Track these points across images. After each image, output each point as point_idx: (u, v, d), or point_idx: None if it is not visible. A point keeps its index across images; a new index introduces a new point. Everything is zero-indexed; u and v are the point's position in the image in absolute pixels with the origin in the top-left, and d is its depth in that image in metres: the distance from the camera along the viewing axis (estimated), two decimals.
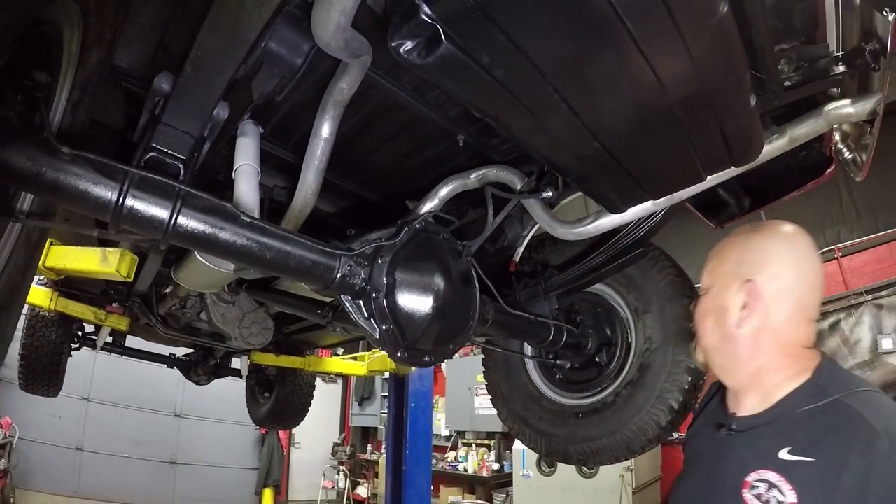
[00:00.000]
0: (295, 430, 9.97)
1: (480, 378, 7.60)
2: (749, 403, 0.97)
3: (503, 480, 7.43)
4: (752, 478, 0.88)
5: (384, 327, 1.22)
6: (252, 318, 2.88)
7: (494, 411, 7.18)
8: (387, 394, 10.16)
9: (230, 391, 8.80)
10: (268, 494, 8.99)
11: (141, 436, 8.03)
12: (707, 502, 0.97)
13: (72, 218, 1.76)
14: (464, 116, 1.39)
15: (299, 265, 1.11)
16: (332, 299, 1.62)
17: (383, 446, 10.23)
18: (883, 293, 4.62)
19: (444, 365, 8.71)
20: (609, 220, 1.39)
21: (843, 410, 0.86)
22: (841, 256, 5.32)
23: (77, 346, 3.72)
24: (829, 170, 1.43)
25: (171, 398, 8.55)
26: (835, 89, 1.10)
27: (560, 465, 5.88)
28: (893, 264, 4.88)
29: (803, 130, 1.13)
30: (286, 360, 3.85)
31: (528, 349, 2.19)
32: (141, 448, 8.00)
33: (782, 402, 0.92)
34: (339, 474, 9.64)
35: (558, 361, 1.95)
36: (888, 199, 5.08)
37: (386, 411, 10.10)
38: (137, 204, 0.91)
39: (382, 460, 7.68)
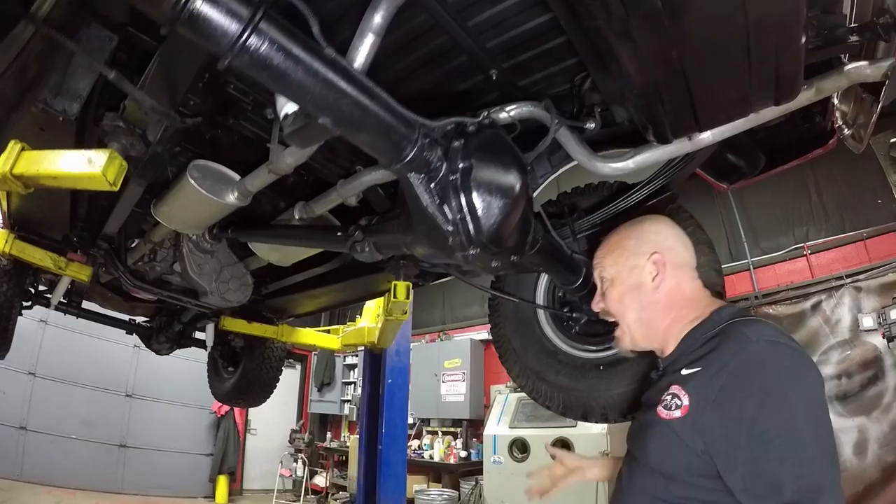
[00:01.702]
0: (251, 416, 9.71)
1: (448, 364, 7.64)
2: (668, 350, 1.19)
3: (471, 468, 7.35)
4: (664, 394, 1.07)
5: (458, 216, 1.07)
6: (231, 272, 2.71)
7: (461, 398, 7.20)
8: (348, 380, 10.10)
9: (185, 371, 8.51)
10: (222, 482, 8.67)
11: (90, 416, 7.59)
12: (640, 424, 1.17)
13: (49, 128, 1.59)
14: (501, 50, 1.32)
15: (376, 125, 0.96)
16: (340, 244, 1.53)
17: (342, 434, 10.08)
18: (861, 276, 4.88)
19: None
20: (648, 156, 1.34)
21: (727, 331, 1.05)
22: (810, 254, 5.58)
23: (29, 303, 3.43)
24: (831, 140, 1.51)
25: (123, 377, 8.15)
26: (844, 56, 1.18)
27: (533, 450, 5.87)
28: (859, 262, 5.14)
29: (828, 85, 1.18)
30: (258, 328, 3.65)
31: (540, 300, 2.10)
32: (89, 429, 7.56)
33: (687, 337, 1.15)
34: (297, 462, 9.37)
35: (574, 314, 1.90)
36: (854, 201, 5.37)
37: (347, 398, 10.01)
38: (208, 6, 0.74)
39: (351, 445, 7.47)
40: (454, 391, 7.89)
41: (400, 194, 1.31)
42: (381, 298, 4.25)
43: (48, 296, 3.52)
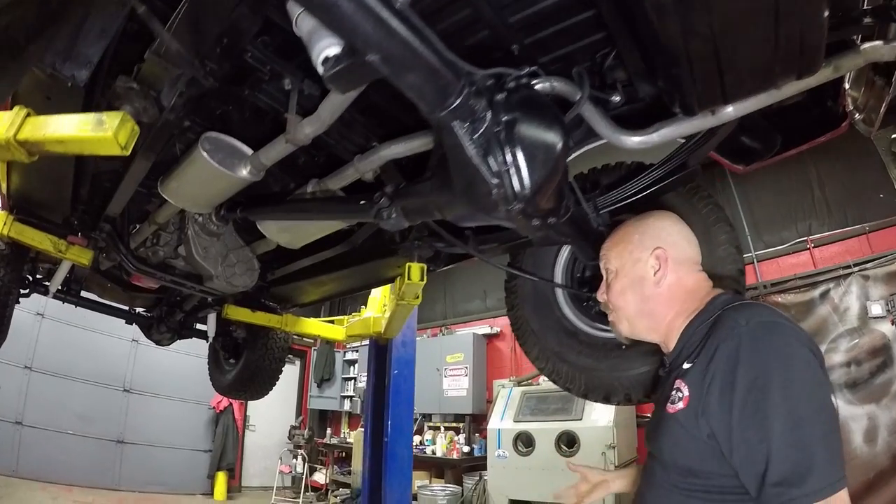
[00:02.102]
0: (250, 412, 9.61)
1: (450, 358, 7.59)
2: (672, 345, 1.20)
3: (474, 463, 7.27)
4: (671, 393, 1.09)
5: (503, 168, 1.03)
6: (237, 256, 2.63)
7: (464, 393, 7.16)
8: (348, 375, 10.02)
9: (184, 366, 8.43)
10: (221, 478, 8.57)
11: (87, 411, 7.47)
12: (654, 422, 1.19)
13: (56, 96, 1.51)
14: (524, 25, 1.28)
15: (425, 67, 0.91)
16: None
17: (342, 430, 10.00)
18: (868, 265, 4.91)
19: None
20: (672, 129, 1.32)
21: (720, 318, 1.08)
22: (813, 247, 5.61)
23: (27, 291, 3.34)
24: (844, 123, 1.52)
25: (121, 371, 8.04)
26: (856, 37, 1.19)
27: (538, 444, 5.80)
28: (862, 256, 5.18)
29: (845, 63, 1.21)
30: (262, 318, 3.57)
31: (558, 280, 2.04)
32: (86, 424, 7.44)
33: (685, 332, 1.17)
34: (296, 459, 9.28)
35: (593, 294, 1.81)
36: (856, 196, 5.42)
37: (346, 393, 9.93)
38: None
39: (355, 439, 7.35)
40: (456, 386, 7.82)
41: (434, 153, 1.26)
42: (387, 287, 4.20)
43: (46, 284, 3.42)
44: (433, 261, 2.60)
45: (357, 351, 9.88)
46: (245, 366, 4.06)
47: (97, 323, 7.35)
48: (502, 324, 8.31)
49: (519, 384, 6.85)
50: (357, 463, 7.22)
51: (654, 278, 1.22)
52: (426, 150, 1.48)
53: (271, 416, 9.92)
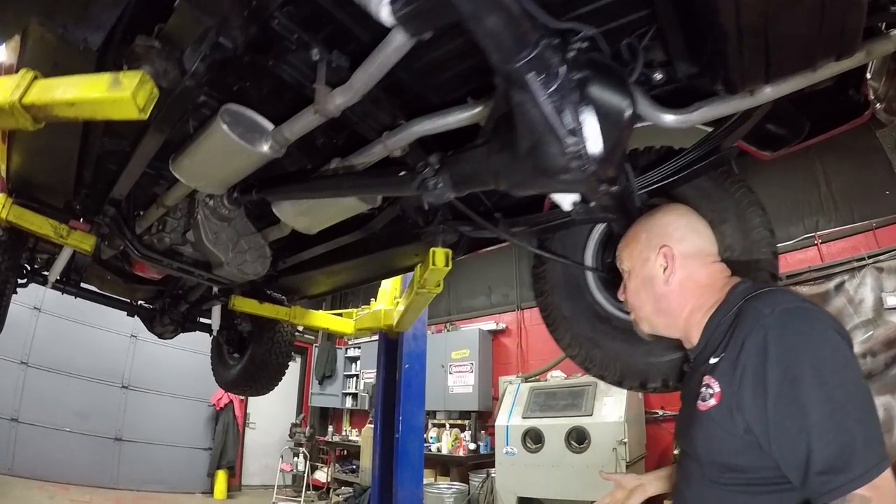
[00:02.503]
0: (250, 410, 9.50)
1: (455, 355, 7.51)
2: (694, 339, 1.19)
3: (480, 461, 7.17)
4: (701, 387, 1.07)
5: (578, 127, 0.97)
6: (248, 243, 2.50)
7: (469, 390, 7.07)
8: (350, 372, 9.90)
9: (183, 363, 8.31)
10: (221, 477, 8.43)
11: (84, 408, 7.31)
12: (684, 419, 1.18)
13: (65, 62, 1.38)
14: (560, 2, 1.23)
15: (505, 11, 0.86)
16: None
17: (344, 427, 9.88)
18: (882, 257, 4.93)
19: None
20: (711, 109, 1.31)
21: (743, 309, 1.06)
22: (820, 243, 5.62)
23: (25, 281, 3.20)
24: (867, 111, 1.54)
25: (119, 367, 7.88)
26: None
27: (548, 441, 5.71)
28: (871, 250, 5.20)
29: (877, 48, 1.21)
30: (269, 310, 3.45)
31: (589, 262, 1.95)
32: (84, 422, 7.28)
33: (708, 325, 1.15)
34: (298, 457, 9.16)
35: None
36: (863, 193, 5.47)
37: (348, 390, 9.82)
38: None
39: (363, 436, 7.21)
40: (462, 382, 7.71)
41: (492, 115, 1.17)
42: (397, 279, 4.08)
43: (45, 273, 3.28)
44: (453, 247, 2.48)
45: (359, 348, 9.76)
46: (250, 360, 3.94)
47: (95, 318, 7.26)
48: (508, 320, 8.23)
49: (526, 380, 6.75)
50: (366, 460, 7.10)
51: (663, 276, 1.22)
52: (461, 126, 1.43)
53: (272, 413, 9.80)
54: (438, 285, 2.55)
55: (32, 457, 6.68)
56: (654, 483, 1.43)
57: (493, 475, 6.43)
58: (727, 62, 1.15)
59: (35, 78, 1.32)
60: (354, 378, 9.88)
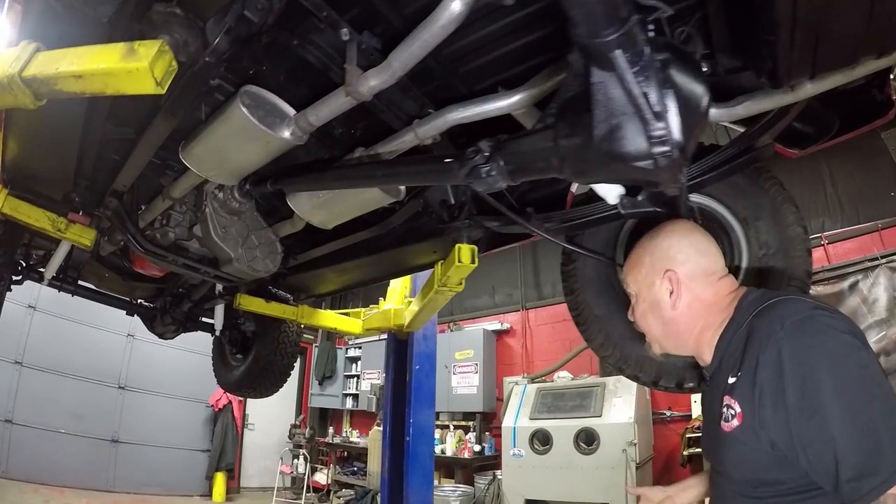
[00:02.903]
0: (248, 411, 9.35)
1: (459, 355, 7.41)
2: (707, 358, 1.19)
3: (484, 463, 7.08)
4: (722, 408, 1.07)
5: (663, 110, 0.92)
6: (258, 238, 2.37)
7: (474, 390, 7.00)
8: (350, 372, 9.76)
9: (181, 363, 8.17)
10: (220, 479, 8.28)
11: (80, 409, 7.15)
12: (710, 439, 1.18)
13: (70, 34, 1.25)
14: None
15: None
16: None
17: (344, 428, 9.74)
18: (895, 257, 4.98)
19: None
20: (755, 104, 1.30)
21: (753, 326, 1.06)
22: (827, 244, 5.66)
23: (20, 277, 3.05)
24: (891, 110, 1.52)
25: (116, 367, 7.73)
26: None
27: (556, 442, 5.63)
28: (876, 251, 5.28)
29: None
30: (276, 309, 3.31)
31: (620, 260, 1.89)
32: (79, 423, 7.13)
33: (719, 344, 1.15)
34: (298, 459, 9.01)
35: None
36: (868, 194, 5.56)
37: (349, 391, 9.67)
38: None
39: (371, 439, 7.07)
40: (466, 383, 7.59)
41: (559, 96, 1.10)
42: (407, 278, 3.95)
43: (41, 270, 3.12)
44: (478, 244, 2.36)
45: (360, 348, 9.64)
46: (255, 361, 3.80)
47: (91, 316, 7.11)
48: (512, 320, 8.13)
49: (533, 381, 6.66)
50: (373, 464, 6.96)
51: (669, 301, 1.22)
52: (499, 114, 1.39)
53: (270, 414, 9.66)
54: (460, 283, 2.42)
55: (27, 459, 6.52)
56: (681, 495, 1.39)
57: (498, 477, 6.37)
58: (776, 55, 1.10)
59: (38, 51, 1.18)
60: (355, 379, 9.74)
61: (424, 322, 3.39)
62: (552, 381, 6.55)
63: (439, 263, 2.43)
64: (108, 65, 1.05)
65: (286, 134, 1.51)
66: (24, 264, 3.12)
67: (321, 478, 9.08)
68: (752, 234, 1.70)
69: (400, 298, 3.82)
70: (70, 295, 3.37)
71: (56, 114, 1.78)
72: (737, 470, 1.07)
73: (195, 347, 7.43)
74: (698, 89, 0.99)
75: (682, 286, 1.20)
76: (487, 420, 7.69)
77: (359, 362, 9.72)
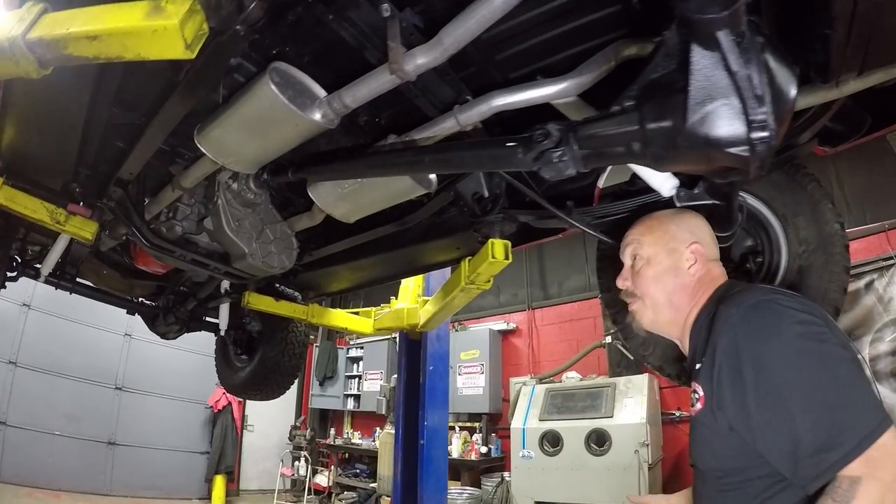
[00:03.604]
0: (248, 412, 9.18)
1: (465, 355, 7.26)
2: (686, 343, 1.21)
3: (491, 465, 6.96)
4: (691, 396, 1.11)
5: (763, 94, 0.88)
6: (273, 232, 2.21)
7: (480, 391, 6.90)
8: (351, 373, 9.60)
9: (180, 363, 8.02)
10: (219, 482, 8.10)
11: (76, 410, 6.97)
12: (690, 434, 1.18)
13: None
14: None
15: None
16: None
17: (345, 430, 9.58)
18: None
19: None
20: (803, 99, 1.26)
21: (716, 314, 1.09)
22: None
23: (14, 274, 2.87)
24: None
25: (113, 368, 7.54)
26: None
27: (566, 444, 5.52)
28: (882, 253, 5.31)
29: None
30: (286, 308, 3.16)
31: None
32: (75, 425, 6.95)
33: (693, 329, 1.18)
34: (300, 461, 8.84)
35: None
36: (875, 195, 5.60)
37: (350, 392, 9.51)
38: None
39: (381, 441, 6.91)
40: (472, 384, 7.44)
41: (644, 76, 1.03)
42: (420, 277, 3.80)
43: (37, 266, 2.95)
44: (511, 239, 2.22)
45: (362, 348, 9.48)
46: (262, 362, 3.64)
47: (88, 315, 6.95)
48: (518, 319, 8.00)
49: (541, 381, 6.53)
50: (384, 467, 6.80)
51: (688, 271, 1.24)
52: (546, 101, 1.33)
53: (270, 415, 9.48)
54: (489, 281, 2.29)
55: (21, 462, 6.34)
56: (682, 500, 1.38)
57: (506, 479, 6.28)
58: (830, 49, 1.05)
59: (45, 11, 1.02)
60: (357, 379, 9.58)
61: (441, 321, 3.25)
62: (560, 382, 6.43)
63: (467, 260, 2.31)
64: (130, 24, 0.90)
65: (317, 116, 1.39)
66: (19, 260, 2.95)
67: (322, 480, 8.92)
68: (791, 231, 1.70)
69: (413, 297, 3.67)
70: (69, 293, 3.20)
71: (59, 94, 1.64)
72: (702, 458, 1.09)
73: (194, 347, 7.29)
74: (789, 75, 0.94)
75: (701, 258, 1.24)
76: (493, 421, 7.56)
77: (360, 363, 9.57)
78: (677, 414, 6.10)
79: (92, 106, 1.66)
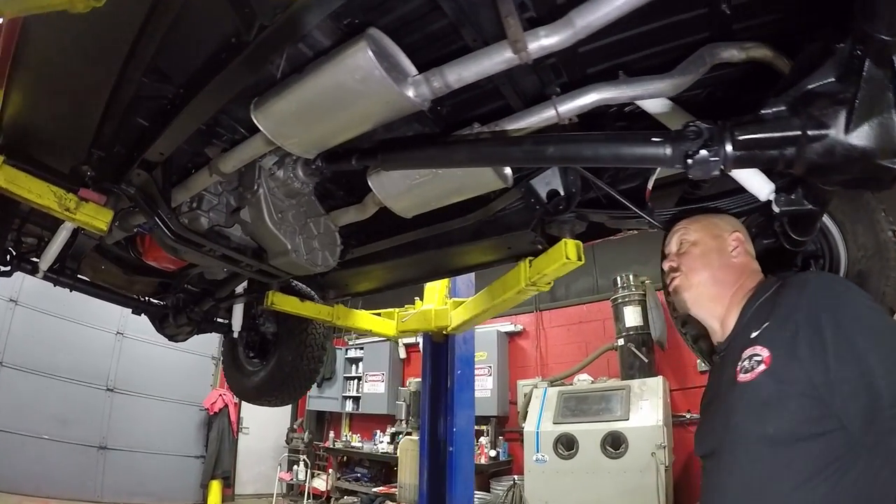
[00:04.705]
0: (244, 414, 8.89)
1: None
2: (729, 325, 1.24)
3: (499, 468, 6.79)
4: (739, 363, 1.10)
5: None
6: (317, 227, 1.97)
7: (488, 394, 6.79)
8: (350, 374, 9.34)
9: (174, 363, 7.73)
10: (216, 487, 7.79)
11: (65, 413, 6.64)
12: (714, 409, 1.20)
13: None
14: None
15: None
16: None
17: (343, 432, 9.33)
18: None
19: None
20: None
21: (784, 284, 1.15)
22: None
23: (8, 268, 2.58)
24: None
25: (104, 368, 7.21)
26: None
27: (582, 447, 5.42)
28: None
29: None
30: (311, 309, 2.93)
31: None
32: (65, 428, 6.62)
33: (742, 311, 1.22)
34: (298, 465, 8.58)
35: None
36: (884, 198, 5.55)
37: (348, 393, 9.25)
38: None
39: (402, 448, 6.71)
40: (480, 386, 7.21)
41: (800, 86, 1.03)
42: (445, 281, 3.59)
43: (34, 260, 2.66)
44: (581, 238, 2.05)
45: (362, 349, 9.24)
46: (278, 366, 3.39)
47: (78, 312, 6.65)
48: (525, 321, 7.82)
49: (552, 384, 6.38)
50: (405, 475, 6.58)
51: (731, 253, 1.30)
52: (652, 97, 1.31)
53: (265, 417, 9.18)
54: (550, 283, 2.10)
55: (7, 468, 6.01)
56: None
57: (517, 483, 6.17)
58: None
59: None
60: (356, 381, 9.33)
61: (478, 324, 3.04)
62: (572, 385, 6.31)
63: (527, 260, 2.13)
64: None
65: (411, 93, 1.23)
66: (14, 253, 2.65)
67: (320, 484, 8.67)
68: (850, 238, 1.75)
69: (441, 298, 3.45)
70: (69, 290, 2.92)
71: (89, 53, 1.38)
72: (756, 424, 1.04)
73: (189, 347, 6.96)
74: None
75: (742, 246, 1.31)
76: (501, 424, 7.38)
77: (360, 363, 9.32)
78: (688, 416, 6.02)
79: (123, 72, 1.41)
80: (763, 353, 1.04)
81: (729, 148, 1.04)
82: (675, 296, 1.36)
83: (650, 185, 1.76)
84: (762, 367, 1.03)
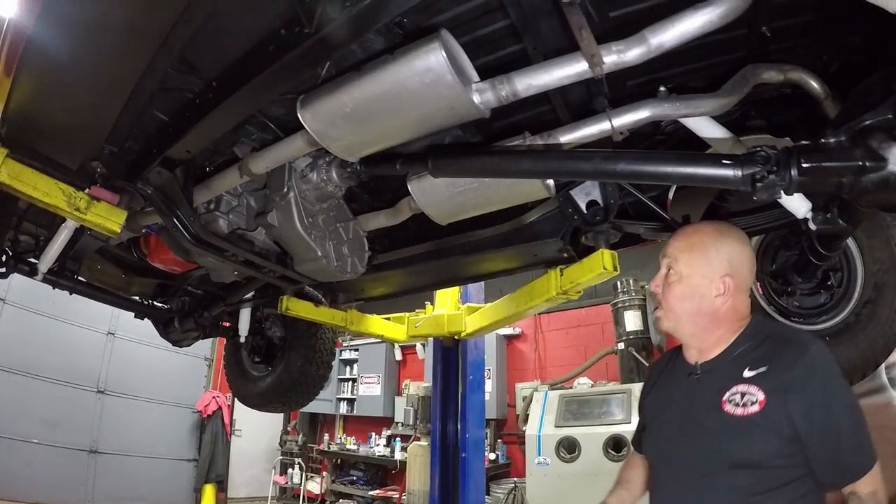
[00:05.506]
0: (236, 416, 8.71)
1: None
2: (710, 354, 1.35)
3: (498, 471, 6.74)
4: (727, 395, 1.24)
5: None
6: (346, 232, 1.89)
7: (487, 397, 6.66)
8: (344, 376, 9.22)
9: (166, 364, 7.56)
10: (209, 491, 7.63)
11: (54, 415, 6.43)
12: (688, 426, 1.32)
13: None
14: (786, 7, 1.23)
15: None
16: None
17: (337, 434, 9.22)
18: None
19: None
20: None
21: (778, 337, 1.29)
22: None
23: (4, 270, 2.46)
24: None
25: (95, 369, 6.99)
26: None
27: (584, 450, 5.38)
28: None
29: None
30: (324, 314, 2.86)
31: None
32: (55, 432, 6.41)
33: (731, 346, 1.33)
34: (293, 468, 8.45)
35: (789, 288, 1.91)
36: None
37: (342, 395, 9.13)
38: None
39: (410, 453, 6.63)
40: None
41: (862, 118, 1.08)
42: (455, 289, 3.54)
43: (32, 261, 2.53)
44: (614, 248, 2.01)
45: (357, 350, 9.11)
46: (286, 371, 3.31)
47: (68, 311, 6.47)
48: (523, 324, 7.78)
49: (552, 387, 6.34)
50: (413, 481, 6.50)
51: (714, 300, 1.31)
52: (709, 115, 1.34)
53: (258, 419, 8.94)
54: (580, 292, 2.07)
55: None
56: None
57: (518, 486, 6.14)
58: None
59: None
60: (350, 382, 9.23)
61: (497, 329, 2.98)
62: (571, 388, 6.28)
63: (558, 268, 2.09)
64: None
65: (476, 98, 1.19)
66: (11, 253, 2.53)
67: (314, 487, 8.55)
68: (867, 252, 1.82)
69: (454, 303, 3.38)
70: (69, 293, 2.79)
71: (120, 38, 1.28)
72: (742, 453, 1.19)
73: (182, 348, 6.81)
74: None
75: (731, 294, 1.31)
76: (501, 426, 7.35)
77: (355, 365, 9.21)
78: None
79: (152, 62, 1.31)
80: (758, 395, 1.19)
81: (794, 173, 1.09)
82: (656, 323, 1.44)
83: (671, 195, 1.80)
84: (756, 407, 1.18)
